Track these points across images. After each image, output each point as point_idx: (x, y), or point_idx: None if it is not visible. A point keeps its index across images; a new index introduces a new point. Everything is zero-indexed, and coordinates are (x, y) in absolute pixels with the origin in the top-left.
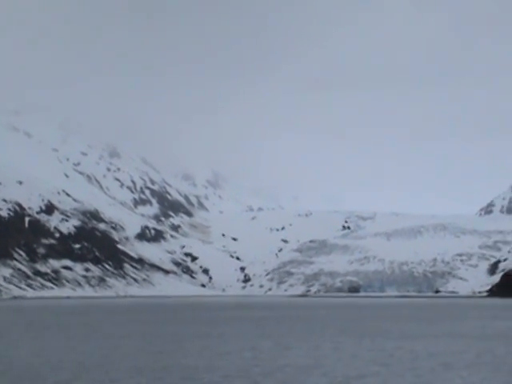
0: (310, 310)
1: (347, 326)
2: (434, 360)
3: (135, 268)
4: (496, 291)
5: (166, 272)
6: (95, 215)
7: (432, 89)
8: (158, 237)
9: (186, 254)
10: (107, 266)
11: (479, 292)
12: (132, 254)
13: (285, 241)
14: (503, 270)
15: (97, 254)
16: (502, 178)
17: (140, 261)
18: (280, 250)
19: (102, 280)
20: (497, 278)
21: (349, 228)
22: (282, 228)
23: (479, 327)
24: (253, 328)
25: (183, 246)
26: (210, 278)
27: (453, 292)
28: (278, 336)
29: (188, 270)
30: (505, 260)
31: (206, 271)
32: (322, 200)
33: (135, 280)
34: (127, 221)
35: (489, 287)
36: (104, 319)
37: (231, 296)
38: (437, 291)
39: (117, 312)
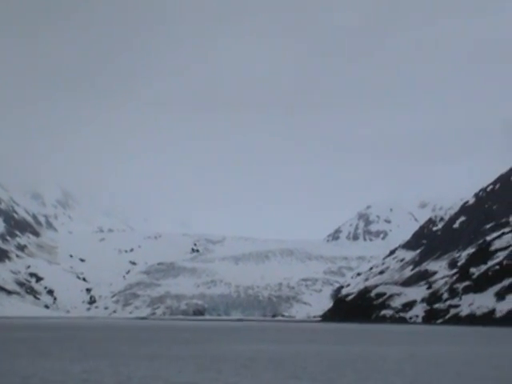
0: (100, 331)
1: (74, 348)
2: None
3: None
4: (329, 316)
5: (9, 292)
6: None
7: (285, 113)
8: (2, 256)
9: (31, 275)
10: None
11: (314, 316)
12: None
13: (133, 263)
14: (345, 296)
15: None
16: (349, 205)
17: None
18: (128, 272)
19: None
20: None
21: (198, 251)
22: (131, 250)
23: (215, 350)
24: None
25: (28, 266)
26: (55, 299)
27: (290, 316)
28: None
29: (32, 291)
30: (347, 285)
31: (50, 292)
32: (173, 222)
33: None
34: None
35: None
36: None
37: (74, 318)
38: (274, 315)
39: None
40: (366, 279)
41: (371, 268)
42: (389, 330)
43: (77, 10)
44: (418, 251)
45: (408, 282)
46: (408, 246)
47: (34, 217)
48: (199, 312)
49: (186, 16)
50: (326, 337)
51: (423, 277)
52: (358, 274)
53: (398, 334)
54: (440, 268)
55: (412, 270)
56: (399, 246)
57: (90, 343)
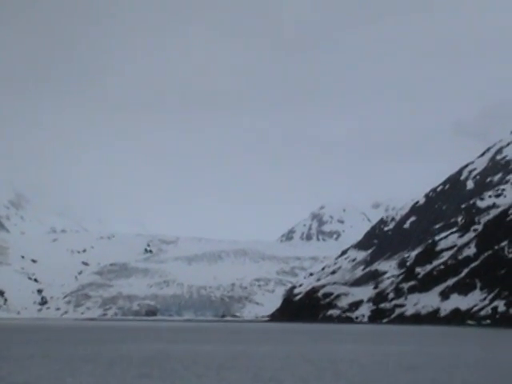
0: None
1: None
2: None
3: None
4: (277, 316)
5: None
6: None
7: (236, 114)
8: None
9: None
10: None
11: (262, 316)
12: None
13: (85, 263)
14: (294, 295)
15: None
16: (303, 205)
17: None
18: (80, 273)
19: None
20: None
21: (151, 252)
22: (84, 250)
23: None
24: None
25: None
26: (6, 300)
27: (240, 317)
28: None
29: None
30: (300, 285)
31: (1, 293)
32: (127, 223)
33: None
34: None
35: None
36: None
37: (23, 319)
38: (223, 315)
39: None
40: (318, 279)
41: (323, 268)
42: (327, 330)
43: (25, 9)
44: (370, 251)
45: (358, 282)
46: (360, 246)
47: None
48: (151, 313)
49: (136, 14)
50: (255, 337)
51: (373, 277)
52: (311, 274)
53: (328, 332)
54: (390, 268)
55: (363, 270)
56: (351, 246)
57: None
